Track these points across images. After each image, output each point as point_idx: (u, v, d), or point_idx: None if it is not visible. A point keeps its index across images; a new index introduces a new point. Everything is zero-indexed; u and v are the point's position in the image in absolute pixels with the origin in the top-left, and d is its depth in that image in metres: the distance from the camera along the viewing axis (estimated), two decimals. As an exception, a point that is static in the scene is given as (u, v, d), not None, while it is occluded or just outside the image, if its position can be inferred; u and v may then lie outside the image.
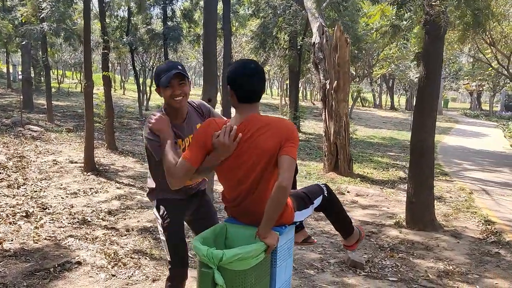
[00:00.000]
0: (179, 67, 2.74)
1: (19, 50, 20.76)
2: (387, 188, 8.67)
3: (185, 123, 2.85)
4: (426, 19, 5.72)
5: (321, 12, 10.51)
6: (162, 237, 2.96)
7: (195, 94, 36.46)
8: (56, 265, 4.17)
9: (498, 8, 11.26)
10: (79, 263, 4.28)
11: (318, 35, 9.70)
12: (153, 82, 2.88)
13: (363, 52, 21.22)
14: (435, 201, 6.39)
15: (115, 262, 4.30)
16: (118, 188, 7.35)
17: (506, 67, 16.71)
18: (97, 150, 9.98)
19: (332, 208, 3.06)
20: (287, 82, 27.65)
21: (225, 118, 3.11)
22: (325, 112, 9.49)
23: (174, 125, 2.78)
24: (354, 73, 23.10)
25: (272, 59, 23.58)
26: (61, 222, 5.45)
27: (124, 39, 16.40)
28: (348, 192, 8.00)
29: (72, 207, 6.11)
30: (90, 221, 5.54)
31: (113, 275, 4.05)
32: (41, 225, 5.26)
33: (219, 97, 15.95)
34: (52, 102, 15.29)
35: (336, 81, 9.04)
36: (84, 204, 6.28)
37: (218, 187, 7.31)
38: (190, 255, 3.63)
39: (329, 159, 9.57)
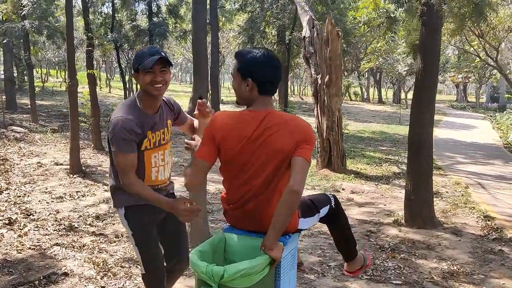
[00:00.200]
0: (162, 53, 2.55)
1: (0, 48, 20.24)
2: (382, 184, 8.51)
3: (158, 115, 2.64)
4: (422, 10, 5.53)
5: (311, 5, 10.30)
6: (135, 251, 2.72)
7: (182, 91, 36.07)
8: (41, 277, 3.91)
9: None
10: (65, 274, 4.02)
11: (308, 29, 9.48)
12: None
13: (351, 45, 21.09)
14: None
15: (105, 272, 4.06)
16: (106, 190, 7.07)
17: (494, 59, 16.68)
18: (83, 151, 9.68)
19: (338, 221, 2.86)
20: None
21: (193, 118, 2.92)
22: (317, 107, 9.29)
23: (146, 116, 2.57)
24: (343, 67, 22.99)
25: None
26: (46, 229, 5.18)
27: (109, 36, 16.02)
28: (343, 189, 7.82)
29: (58, 212, 5.84)
30: (77, 227, 5.28)
31: (103, 287, 3.81)
32: (25, 233, 4.99)
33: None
34: (36, 101, 14.90)
35: (328, 76, 8.84)
36: (71, 209, 6.01)
37: (210, 187, 7.09)
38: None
39: (322, 155, 9.38)
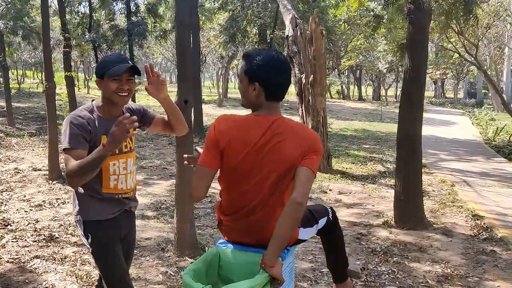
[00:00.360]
0: (130, 62, 2.45)
1: (-26, 50, 19.63)
2: (368, 183, 8.44)
3: None
4: (410, 8, 5.45)
5: (293, 3, 10.18)
6: (98, 267, 2.56)
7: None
8: (21, 294, 3.71)
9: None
10: (47, 289, 3.82)
11: (291, 28, 9.36)
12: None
13: (333, 44, 21.09)
14: (421, 197, 6.18)
15: (89, 286, 3.86)
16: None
17: (474, 56, 16.80)
18: (62, 156, 9.38)
19: (334, 233, 2.75)
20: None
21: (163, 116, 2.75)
22: (301, 107, 9.18)
23: (102, 119, 2.44)
24: (324, 65, 22.98)
25: (241, 53, 23.19)
26: (26, 240, 4.94)
27: (87, 36, 15.69)
28: (330, 190, 7.73)
29: (37, 221, 5.60)
30: (57, 238, 5.05)
31: (87, 303, 3.62)
32: (2, 245, 4.74)
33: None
34: (12, 104, 14.47)
35: (312, 75, 8.72)
36: (51, 218, 5.76)
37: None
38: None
39: (307, 155, 9.26)
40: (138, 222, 5.63)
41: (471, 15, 5.06)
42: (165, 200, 6.68)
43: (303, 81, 8.95)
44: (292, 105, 28.18)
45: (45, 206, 6.25)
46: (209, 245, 4.84)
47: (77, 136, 2.33)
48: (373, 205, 6.89)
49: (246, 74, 2.13)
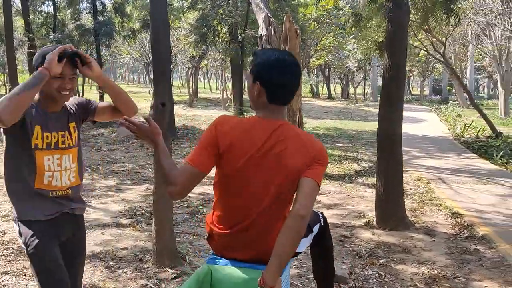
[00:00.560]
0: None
1: None
2: (345, 183, 8.39)
3: (56, 116, 2.35)
4: (389, 6, 5.39)
5: (266, 2, 10.03)
6: (34, 274, 2.33)
7: (131, 91, 34.93)
8: (-11, 315, 3.43)
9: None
10: (18, 309, 3.55)
11: (264, 27, 9.18)
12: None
13: (303, 42, 21.10)
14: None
15: (63, 304, 3.61)
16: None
17: (442, 53, 17.08)
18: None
19: (324, 240, 2.62)
20: (229, 75, 27.07)
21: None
22: (277, 107, 9.03)
23: (38, 109, 2.29)
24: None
25: (210, 53, 22.95)
26: (-8, 255, 4.63)
27: (51, 36, 15.13)
28: (308, 191, 7.61)
29: (5, 233, 5.27)
30: (27, 251, 4.74)
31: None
32: (-33, 261, 4.43)
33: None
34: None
35: (287, 75, 8.59)
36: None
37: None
38: None
39: (283, 156, 9.15)
40: (112, 231, 5.41)
41: (451, 12, 5.03)
42: (140, 207, 6.43)
43: (278, 80, 8.80)
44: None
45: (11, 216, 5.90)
46: (189, 254, 4.65)
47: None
48: (353, 205, 6.82)
49: (251, 73, 2.01)
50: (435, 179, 8.83)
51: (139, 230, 5.45)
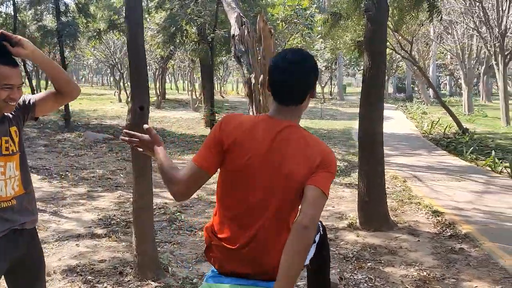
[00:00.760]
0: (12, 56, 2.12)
1: None
2: (323, 183, 8.30)
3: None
4: (367, 4, 5.32)
5: (237, 1, 9.87)
6: None
7: (95, 94, 34.11)
8: None
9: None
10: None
11: (237, 27, 9.01)
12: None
13: (271, 42, 21.05)
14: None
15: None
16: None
17: (409, 52, 17.34)
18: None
19: (323, 249, 2.50)
20: (196, 76, 26.75)
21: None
22: (252, 108, 8.87)
23: None
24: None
25: (177, 53, 22.60)
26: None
27: (12, 38, 14.50)
28: (287, 193, 7.50)
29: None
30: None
31: None
32: None
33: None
34: None
35: (262, 75, 8.46)
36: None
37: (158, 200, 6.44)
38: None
39: (259, 157, 9.01)
40: (87, 242, 5.13)
41: (434, 9, 5.00)
42: (115, 215, 6.15)
43: (253, 81, 8.66)
44: (232, 105, 27.99)
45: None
46: (172, 265, 4.44)
47: None
48: (333, 206, 6.75)
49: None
50: (410, 177, 8.88)
51: (116, 241, 5.19)
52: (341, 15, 6.16)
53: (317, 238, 2.40)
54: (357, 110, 20.77)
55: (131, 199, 6.79)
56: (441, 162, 10.85)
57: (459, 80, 46.17)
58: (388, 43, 19.18)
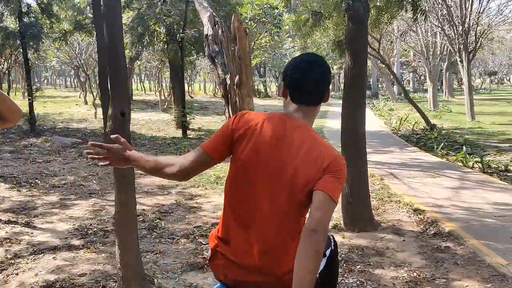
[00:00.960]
0: None
1: None
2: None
3: None
4: (348, 3, 5.27)
5: (209, 1, 9.70)
6: None
7: (59, 96, 33.06)
8: None
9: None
10: None
11: (210, 26, 8.81)
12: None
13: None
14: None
15: None
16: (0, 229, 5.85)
17: (377, 50, 17.54)
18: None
19: (334, 264, 2.41)
20: (166, 76, 26.31)
21: None
22: (228, 109, 8.72)
23: None
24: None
25: (144, 53, 22.18)
26: None
27: (-30, 40, 13.90)
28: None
29: None
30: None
31: None
32: None
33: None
34: None
35: (238, 76, 8.33)
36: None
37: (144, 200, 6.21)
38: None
39: (236, 159, 8.88)
40: (64, 254, 4.89)
41: (418, 9, 4.99)
42: (91, 224, 5.91)
43: (228, 82, 8.52)
44: (202, 105, 27.69)
45: None
46: (157, 276, 4.28)
47: None
48: (315, 208, 6.68)
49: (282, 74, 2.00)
50: (387, 174, 8.94)
51: (95, 252, 4.96)
52: (322, 14, 6.11)
53: (328, 252, 2.31)
54: (327, 108, 20.95)
55: (107, 207, 6.59)
56: (414, 158, 10.99)
57: (421, 77, 47.29)
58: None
